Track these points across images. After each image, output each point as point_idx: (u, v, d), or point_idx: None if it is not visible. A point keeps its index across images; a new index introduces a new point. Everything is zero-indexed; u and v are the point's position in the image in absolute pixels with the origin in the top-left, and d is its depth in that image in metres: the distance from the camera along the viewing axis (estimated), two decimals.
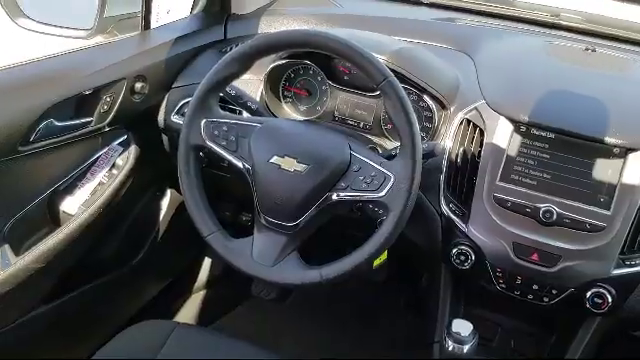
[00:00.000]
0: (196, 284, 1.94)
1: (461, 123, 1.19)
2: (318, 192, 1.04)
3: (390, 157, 1.07)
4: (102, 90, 1.27)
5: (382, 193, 1.01)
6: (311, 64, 1.31)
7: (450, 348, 1.00)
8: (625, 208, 1.06)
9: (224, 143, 1.10)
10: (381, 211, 1.05)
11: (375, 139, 1.29)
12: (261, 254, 1.08)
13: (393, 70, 1.08)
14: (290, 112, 1.36)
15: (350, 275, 1.03)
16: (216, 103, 1.13)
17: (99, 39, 1.37)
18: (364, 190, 1.03)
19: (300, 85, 1.35)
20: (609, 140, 1.07)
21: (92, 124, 1.29)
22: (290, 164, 1.05)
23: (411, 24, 1.50)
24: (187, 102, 1.37)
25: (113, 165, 1.41)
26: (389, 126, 1.28)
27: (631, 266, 1.07)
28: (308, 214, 1.05)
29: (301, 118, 1.34)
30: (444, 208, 1.18)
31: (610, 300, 1.08)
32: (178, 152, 1.12)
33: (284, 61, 1.30)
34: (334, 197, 1.04)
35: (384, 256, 1.16)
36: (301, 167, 1.04)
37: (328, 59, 1.28)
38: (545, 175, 1.12)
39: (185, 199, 1.12)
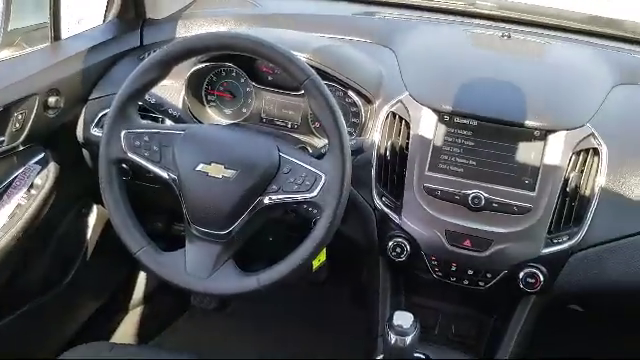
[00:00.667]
0: (133, 300, 1.88)
1: (387, 117, 1.19)
2: (249, 197, 1.02)
3: (320, 156, 1.06)
4: (12, 108, 1.20)
5: (314, 193, 1.00)
6: (233, 66, 1.29)
7: (393, 341, 1.01)
8: (549, 188, 1.09)
9: (147, 154, 1.06)
10: (315, 211, 1.04)
11: (304, 138, 1.28)
12: (195, 266, 1.05)
13: (316, 68, 1.08)
14: (215, 116, 1.33)
15: (289, 279, 1.01)
16: (135, 112, 1.09)
17: (6, 53, 1.30)
18: (296, 192, 1.01)
19: (223, 88, 1.32)
20: (529, 123, 1.10)
21: (4, 144, 1.22)
22: (218, 171, 1.02)
23: (331, 20, 1.50)
24: (106, 114, 1.31)
25: (31, 185, 1.34)
26: (317, 124, 1.27)
27: (559, 244, 1.11)
28: (241, 221, 1.03)
29: (227, 122, 1.32)
30: (377, 202, 1.19)
31: (542, 279, 1.11)
32: (99, 167, 1.07)
33: (204, 65, 1.27)
34: (266, 201, 1.02)
35: (322, 256, 1.15)
36: (229, 173, 1.02)
37: (250, 60, 1.26)
38: (471, 162, 1.14)
39: (110, 215, 1.07)
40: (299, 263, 0.99)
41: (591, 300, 1.35)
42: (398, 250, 1.17)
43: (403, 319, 1.02)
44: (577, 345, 1.75)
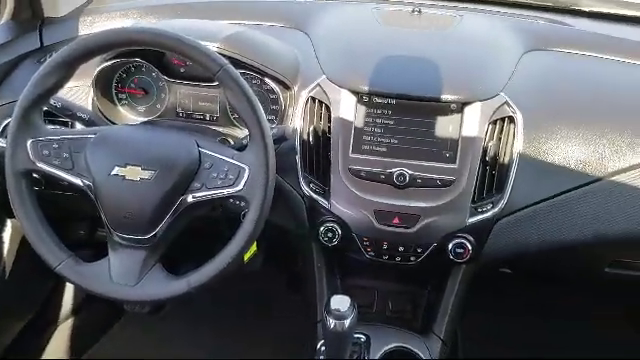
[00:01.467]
0: (62, 313, 1.80)
1: (307, 102, 1.18)
2: (171, 197, 0.98)
3: (242, 147, 1.04)
4: None
5: (239, 187, 0.98)
6: (142, 61, 1.24)
7: (332, 325, 1.01)
8: (469, 159, 1.12)
9: (57, 162, 1.00)
10: (243, 204, 1.02)
11: (225, 130, 1.25)
12: (121, 274, 1.01)
13: (228, 57, 1.05)
14: (128, 115, 1.27)
15: (221, 276, 0.99)
16: (40, 119, 1.03)
17: None
18: (220, 187, 0.99)
19: (134, 85, 1.27)
20: (445, 97, 1.12)
21: None
22: (135, 173, 0.98)
23: (240, 6, 1.46)
24: (9, 123, 1.23)
25: None
26: (237, 115, 1.24)
27: (483, 212, 1.14)
28: (164, 222, 0.99)
29: (142, 119, 1.26)
30: (305, 189, 1.18)
31: (470, 248, 1.14)
32: (6, 180, 1.01)
33: (111, 62, 1.21)
34: (189, 199, 0.99)
35: (254, 248, 1.13)
36: (147, 174, 0.98)
37: (160, 53, 1.21)
38: (393, 140, 1.15)
39: (24, 230, 1.01)
40: (229, 261, 0.98)
41: (518, 263, 1.40)
42: (330, 235, 1.17)
43: (340, 303, 1.02)
44: (509, 305, 1.83)
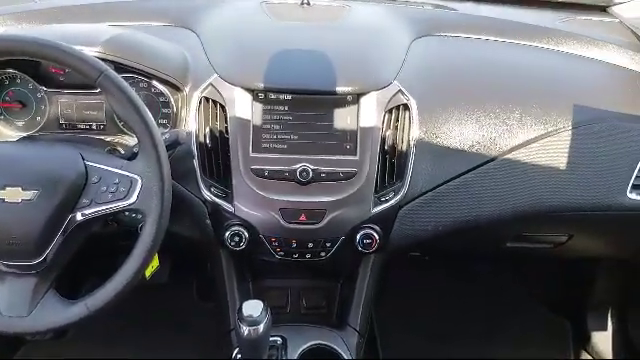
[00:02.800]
0: None
1: (200, 102, 1.13)
2: (57, 217, 0.91)
3: (133, 156, 0.97)
4: None
5: (132, 199, 0.92)
6: (16, 72, 1.14)
7: (246, 333, 0.98)
8: (369, 150, 1.12)
9: None
10: (140, 216, 0.96)
11: (114, 139, 1.18)
12: (11, 305, 0.92)
13: (110, 61, 0.99)
14: (5, 131, 1.17)
15: (123, 295, 0.93)
16: None
17: None
18: (111, 201, 0.93)
19: (9, 98, 1.17)
20: (340, 90, 1.11)
21: None
22: (14, 195, 0.90)
23: (121, 6, 1.38)
24: None
25: None
26: (124, 122, 1.17)
27: (387, 201, 1.14)
28: (54, 245, 0.92)
29: (21, 135, 1.16)
30: (206, 194, 1.13)
31: (377, 237, 1.14)
32: None
33: None
34: (78, 217, 0.93)
35: (155, 263, 1.07)
36: (29, 194, 0.90)
37: (36, 62, 1.12)
38: (293, 136, 1.13)
39: None
40: (128, 280, 0.92)
41: (426, 246, 1.43)
42: (237, 239, 1.14)
43: (253, 308, 0.99)
44: (421, 290, 1.87)
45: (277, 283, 1.34)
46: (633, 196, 1.19)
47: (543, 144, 1.17)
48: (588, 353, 1.82)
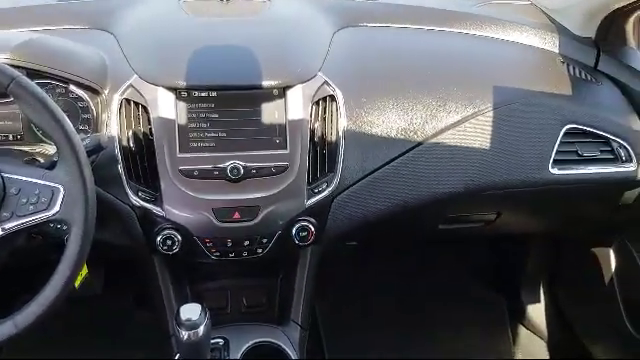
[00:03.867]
0: None
1: (121, 105, 1.10)
2: None
3: (53, 165, 0.93)
4: None
5: (55, 209, 0.88)
6: None
7: (185, 337, 0.95)
8: (299, 143, 1.11)
9: None
10: (65, 227, 0.92)
11: (33, 148, 1.12)
12: None
13: (23, 67, 0.95)
14: None
15: (53, 309, 0.89)
16: None
17: None
18: (33, 213, 0.88)
19: None
20: (266, 84, 1.10)
21: None
22: None
23: (35, 11, 1.33)
24: None
25: None
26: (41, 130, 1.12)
27: (320, 192, 1.14)
28: None
29: None
30: (133, 199, 1.10)
31: (313, 229, 1.14)
32: None
33: None
34: None
35: (84, 271, 1.03)
36: None
37: None
38: (221, 134, 1.11)
39: None
40: (57, 293, 0.88)
41: (361, 234, 1.44)
42: (169, 242, 1.11)
43: (191, 312, 0.97)
44: (362, 276, 1.89)
45: (216, 284, 1.31)
46: (555, 171, 1.24)
47: (466, 126, 1.20)
48: (525, 327, 1.89)
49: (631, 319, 1.45)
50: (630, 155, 1.28)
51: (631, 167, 1.28)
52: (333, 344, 1.75)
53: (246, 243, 1.14)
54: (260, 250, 1.16)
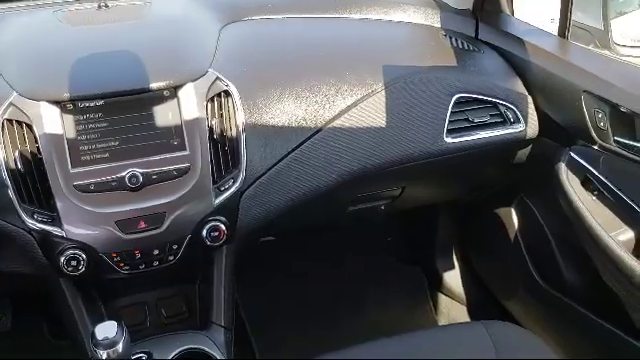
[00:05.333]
0: None
1: (3, 126, 1.03)
2: None
3: None
4: None
5: None
6: None
7: (104, 357, 0.92)
8: (199, 142, 1.09)
9: None
10: None
11: None
12: None
13: None
14: None
15: None
16: None
17: None
18: None
19: None
20: (154, 86, 1.07)
21: None
22: None
23: None
24: None
25: None
26: None
27: (227, 190, 1.13)
28: None
29: None
30: (29, 222, 1.04)
31: (224, 228, 1.13)
32: None
33: None
34: None
35: None
36: None
37: None
38: (114, 143, 1.07)
39: None
40: None
41: (276, 227, 1.44)
42: (74, 263, 1.05)
43: (106, 330, 0.93)
44: (282, 269, 1.90)
45: (131, 299, 1.27)
46: (449, 140, 1.29)
47: (362, 107, 1.23)
48: (444, 294, 1.96)
49: (537, 269, 1.54)
50: (517, 116, 1.35)
51: (520, 127, 1.36)
52: (261, 339, 1.74)
53: (156, 252, 1.11)
54: (172, 257, 1.13)
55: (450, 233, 1.93)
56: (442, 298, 1.96)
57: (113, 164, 1.05)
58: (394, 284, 1.98)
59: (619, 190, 1.20)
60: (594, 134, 1.22)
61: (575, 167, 1.28)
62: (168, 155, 1.08)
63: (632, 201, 1.17)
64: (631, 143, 1.14)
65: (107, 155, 1.06)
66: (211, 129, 1.11)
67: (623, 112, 1.14)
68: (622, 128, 1.17)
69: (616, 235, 1.20)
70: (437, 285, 1.96)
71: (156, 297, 1.28)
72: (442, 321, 1.93)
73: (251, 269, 1.55)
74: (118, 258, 1.09)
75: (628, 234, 1.21)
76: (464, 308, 1.93)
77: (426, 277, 1.98)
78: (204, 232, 1.12)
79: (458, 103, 1.31)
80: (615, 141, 1.18)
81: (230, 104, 1.13)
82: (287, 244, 1.73)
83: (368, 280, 1.97)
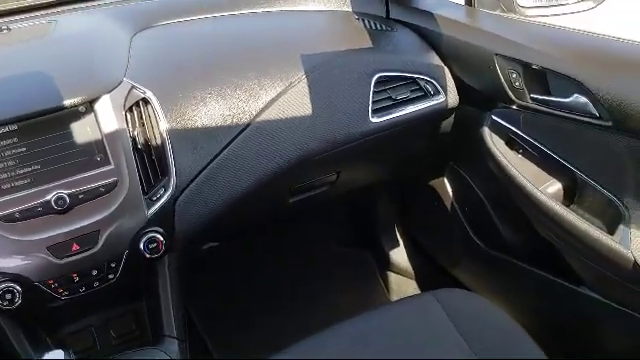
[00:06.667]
0: None
1: None
2: None
3: None
4: None
5: None
6: None
7: None
8: (123, 154, 1.06)
9: None
10: None
11: None
12: None
13: None
14: None
15: None
16: None
17: None
18: None
19: None
20: (68, 102, 1.03)
21: None
22: None
23: None
24: None
25: None
26: None
27: (159, 199, 1.10)
28: None
29: None
30: None
31: (162, 239, 1.10)
32: None
33: None
34: None
35: None
36: None
37: None
38: (34, 167, 1.02)
39: None
40: None
41: (218, 232, 1.42)
42: (9, 296, 1.01)
43: (53, 357, 0.90)
44: (229, 270, 1.88)
45: (76, 325, 1.22)
46: (375, 120, 1.31)
47: (286, 98, 1.23)
48: (393, 272, 1.99)
49: (476, 232, 1.59)
50: (437, 88, 1.39)
51: (441, 98, 1.39)
52: (218, 343, 1.72)
53: (94, 273, 1.08)
54: (111, 275, 1.10)
55: (390, 212, 1.96)
56: (392, 276, 1.99)
57: (36, 189, 1.01)
58: (343, 270, 1.99)
59: (542, 145, 1.25)
60: (511, 94, 1.26)
61: (498, 129, 1.33)
62: (93, 172, 1.05)
63: (555, 154, 1.22)
64: (546, 98, 1.19)
65: (29, 180, 1.01)
66: (134, 139, 1.08)
67: (535, 69, 1.18)
68: (536, 85, 1.21)
69: (545, 188, 1.25)
70: (386, 264, 1.99)
71: (103, 319, 1.24)
72: (395, 298, 1.96)
73: (199, 275, 1.53)
74: (55, 284, 1.05)
75: (556, 185, 1.27)
76: (414, 282, 1.97)
77: (374, 258, 2.01)
78: (141, 245, 1.09)
79: (379, 83, 1.33)
80: (532, 98, 1.22)
81: (151, 111, 1.11)
82: (233, 246, 1.71)
83: (317, 270, 1.98)
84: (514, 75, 1.23)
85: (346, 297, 1.90)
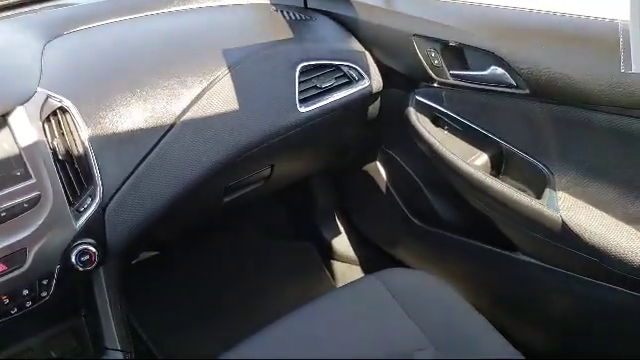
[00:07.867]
0: None
1: None
2: None
3: None
4: None
5: None
6: None
7: None
8: (43, 166, 1.02)
9: None
10: None
11: None
12: None
13: None
14: None
15: None
16: None
17: None
18: None
19: None
20: None
21: None
22: None
23: None
24: None
25: None
26: None
27: (87, 210, 1.06)
28: None
29: None
30: None
31: (94, 250, 1.06)
32: None
33: None
34: None
35: None
36: None
37: None
38: None
39: None
40: None
41: (154, 239, 1.39)
42: None
43: None
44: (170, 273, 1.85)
45: (13, 349, 1.17)
46: (303, 109, 1.31)
47: (210, 95, 1.21)
48: (338, 260, 2.01)
49: (412, 212, 1.62)
50: (360, 73, 1.40)
51: (365, 84, 1.41)
52: (166, 351, 1.68)
53: (25, 292, 1.03)
54: (44, 293, 1.05)
55: (328, 201, 1.97)
56: (336, 264, 2.00)
57: None
58: (287, 263, 1.99)
59: (466, 120, 1.28)
60: (432, 73, 1.29)
61: (423, 108, 1.35)
62: (13, 188, 1.00)
63: (479, 127, 1.26)
64: (465, 73, 1.23)
65: None
66: (54, 150, 1.04)
67: (452, 46, 1.21)
68: (455, 62, 1.24)
69: (473, 161, 1.29)
70: (329, 253, 2.00)
71: (41, 339, 1.19)
72: (340, 285, 1.97)
73: (141, 284, 1.49)
74: None
75: (483, 157, 1.30)
76: (359, 268, 1.99)
77: (316, 248, 2.01)
78: (73, 259, 1.05)
79: (303, 72, 1.33)
80: (452, 75, 1.25)
81: (69, 120, 1.07)
82: (173, 251, 1.68)
83: (261, 266, 1.97)
84: (433, 54, 1.26)
85: (293, 290, 1.90)
